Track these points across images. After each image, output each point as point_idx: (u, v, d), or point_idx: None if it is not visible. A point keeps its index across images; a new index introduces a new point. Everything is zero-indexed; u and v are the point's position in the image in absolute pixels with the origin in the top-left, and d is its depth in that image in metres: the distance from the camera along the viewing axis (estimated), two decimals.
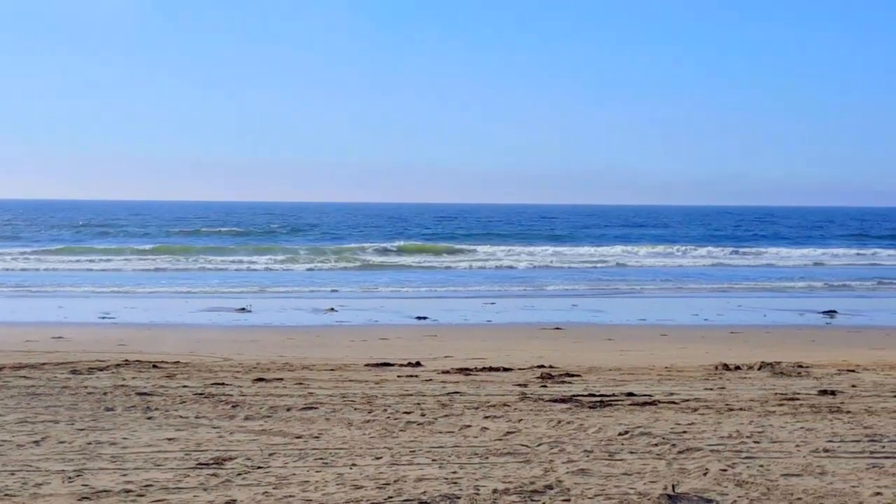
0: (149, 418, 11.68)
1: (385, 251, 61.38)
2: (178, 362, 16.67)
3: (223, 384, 14.22)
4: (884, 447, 10.43)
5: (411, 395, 13.41)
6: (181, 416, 11.81)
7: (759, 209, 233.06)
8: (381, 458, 9.78)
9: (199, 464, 9.48)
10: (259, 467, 9.36)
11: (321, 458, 9.73)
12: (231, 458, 9.68)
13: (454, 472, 9.21)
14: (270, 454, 9.89)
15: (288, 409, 12.23)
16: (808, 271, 49.40)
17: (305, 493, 8.50)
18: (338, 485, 8.75)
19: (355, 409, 12.33)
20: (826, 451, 10.25)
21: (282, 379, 14.78)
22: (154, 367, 16.00)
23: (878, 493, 8.65)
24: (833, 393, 13.73)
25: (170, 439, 10.56)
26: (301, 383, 14.36)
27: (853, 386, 14.46)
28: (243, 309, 27.95)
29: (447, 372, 15.81)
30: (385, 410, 12.20)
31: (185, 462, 9.56)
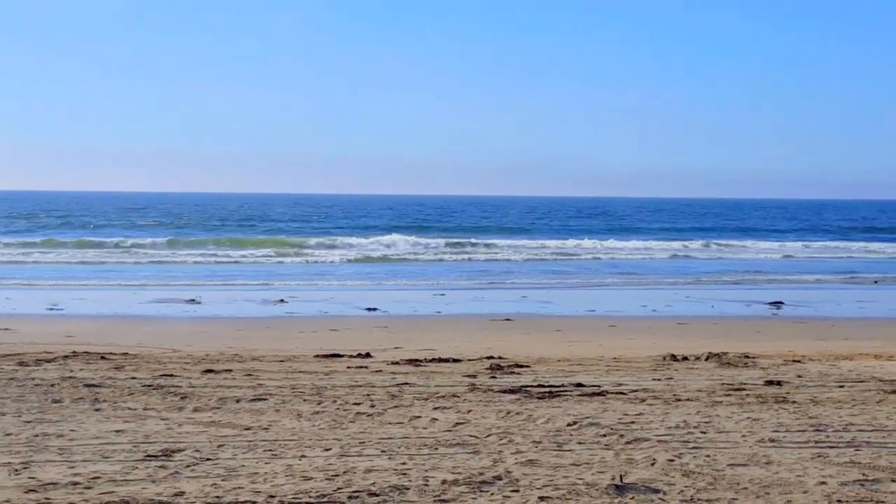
0: (97, 410, 11.63)
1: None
2: (126, 354, 16.60)
3: (172, 376, 14.17)
4: (828, 437, 10.53)
5: (361, 386, 13.41)
6: (129, 408, 11.76)
7: (728, 201, 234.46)
8: (330, 449, 9.79)
9: (148, 456, 9.45)
10: (208, 459, 9.34)
11: (270, 450, 9.72)
12: (179, 450, 9.66)
13: (403, 464, 9.23)
14: (219, 446, 9.87)
15: (237, 401, 12.22)
16: (764, 264, 49.76)
17: (254, 484, 8.50)
18: (287, 476, 8.75)
19: (305, 400, 12.32)
20: (772, 440, 10.35)
21: (231, 370, 14.75)
22: (102, 358, 15.91)
23: (822, 483, 8.75)
24: (779, 383, 13.85)
25: (118, 431, 10.52)
26: (250, 375, 14.33)
27: (799, 376, 14.59)
28: (193, 300, 27.83)
29: (397, 363, 15.83)
30: (334, 402, 12.21)
31: (133, 454, 9.53)
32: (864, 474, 9.04)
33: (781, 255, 57.18)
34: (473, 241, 61.99)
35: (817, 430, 10.82)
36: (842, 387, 13.66)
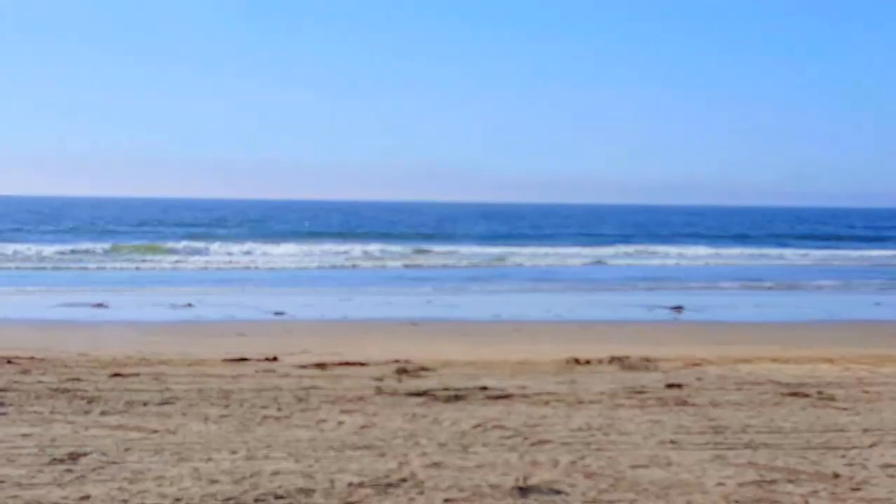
0: (2, 414, 11.57)
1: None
2: (33, 357, 16.46)
3: (79, 379, 14.10)
4: (727, 439, 10.76)
5: (268, 389, 13.45)
6: (35, 412, 11.72)
7: (639, 207, 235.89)
8: (237, 452, 9.84)
9: (54, 459, 9.45)
10: (114, 462, 9.36)
11: (177, 453, 9.76)
12: (86, 454, 9.67)
13: (310, 466, 9.31)
14: (126, 449, 9.89)
15: (144, 404, 12.21)
16: (672, 270, 50.29)
17: (161, 487, 8.54)
18: (193, 479, 8.80)
19: (212, 403, 12.35)
20: (672, 442, 10.56)
21: (138, 374, 14.71)
22: (8, 362, 15.78)
23: (721, 484, 8.96)
24: (679, 386, 14.09)
25: (24, 435, 10.49)
26: (158, 378, 14.31)
27: (698, 379, 14.85)
28: (100, 304, 27.62)
29: (304, 367, 15.87)
30: (242, 405, 12.25)
31: (39, 458, 9.52)
32: (761, 475, 9.26)
33: (687, 261, 57.72)
34: (390, 247, 61.83)
35: (716, 432, 11.05)
36: (740, 389, 13.93)
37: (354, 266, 48.84)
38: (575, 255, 59.20)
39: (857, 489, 8.86)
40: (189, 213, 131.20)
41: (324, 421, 11.41)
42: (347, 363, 16.27)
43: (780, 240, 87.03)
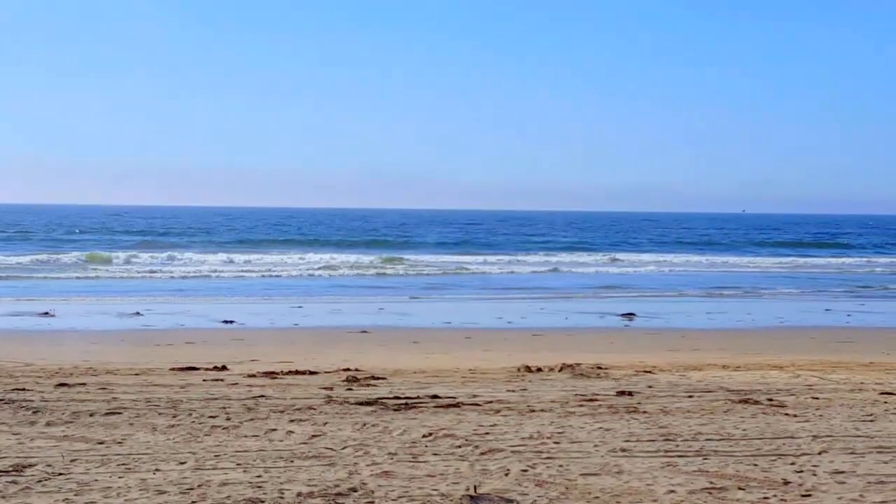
0: None
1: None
2: None
3: (24, 389, 13.96)
4: (678, 446, 10.77)
5: (217, 399, 13.36)
6: None
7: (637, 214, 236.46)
8: (185, 462, 9.75)
9: None
10: (60, 474, 9.25)
11: (124, 464, 9.66)
12: (31, 465, 9.55)
13: (259, 476, 9.24)
14: (72, 460, 9.78)
15: (91, 415, 12.09)
16: (626, 277, 50.45)
17: (107, 499, 8.45)
18: (140, 490, 8.71)
19: (160, 413, 12.24)
20: (623, 450, 10.55)
21: (85, 384, 14.58)
22: None
23: (671, 491, 8.95)
24: (630, 394, 14.11)
25: None
26: (105, 388, 14.19)
27: (649, 387, 14.87)
28: (46, 313, 27.38)
29: (253, 376, 15.79)
30: (190, 415, 12.15)
31: None
32: (711, 482, 9.27)
33: (641, 268, 57.89)
34: (340, 256, 61.57)
35: (667, 440, 11.05)
36: (691, 397, 13.96)
37: (312, 275, 48.49)
38: (531, 263, 59.20)
39: (807, 496, 8.87)
40: (119, 220, 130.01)
41: (273, 430, 11.33)
42: (297, 372, 16.20)
43: (734, 247, 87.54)
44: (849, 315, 31.06)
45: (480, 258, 62.31)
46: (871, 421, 12.32)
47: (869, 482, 9.36)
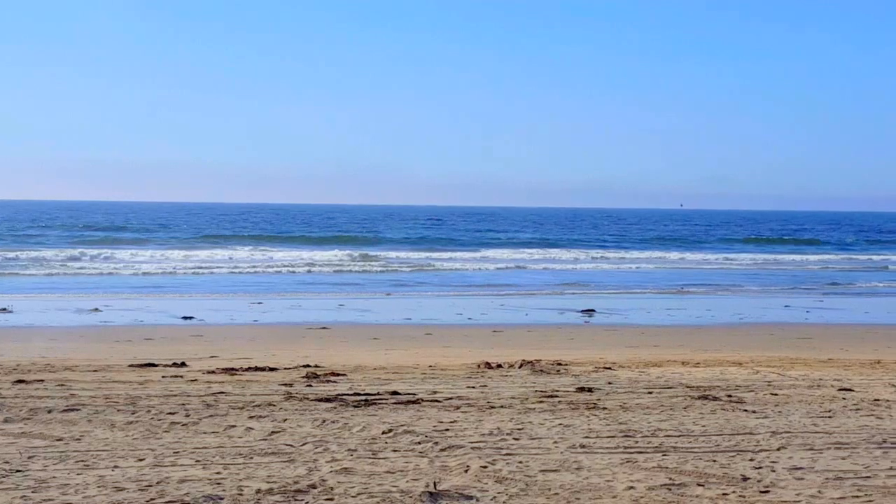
0: None
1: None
2: None
3: None
4: (637, 442, 10.79)
5: (176, 395, 13.30)
6: None
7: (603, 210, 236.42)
8: (143, 459, 9.70)
9: None
10: (18, 471, 9.17)
11: (82, 461, 9.59)
12: None
13: (218, 473, 9.19)
14: (30, 457, 9.70)
15: (49, 411, 12.01)
16: (586, 274, 50.57)
17: (65, 496, 8.39)
18: (99, 487, 8.65)
19: (118, 410, 12.17)
20: (583, 446, 10.55)
21: (43, 380, 14.48)
22: None
23: (631, 487, 8.96)
24: (590, 390, 14.13)
25: None
26: (63, 384, 14.10)
27: (609, 383, 14.90)
28: (4, 310, 27.21)
29: (212, 372, 15.73)
30: (149, 411, 12.08)
31: None
32: (670, 479, 9.28)
33: (606, 264, 58.07)
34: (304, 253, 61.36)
35: (626, 436, 11.07)
36: (650, 393, 13.99)
37: (279, 272, 48.13)
38: (496, 260, 59.15)
39: (766, 492, 8.90)
40: (75, 216, 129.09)
41: (232, 427, 11.28)
42: (257, 368, 16.15)
43: (691, 244, 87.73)
44: (808, 311, 31.27)
45: (447, 255, 62.30)
46: (830, 417, 12.38)
47: (827, 478, 9.40)
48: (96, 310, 27.64)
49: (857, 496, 8.82)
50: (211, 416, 11.91)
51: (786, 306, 33.08)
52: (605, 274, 50.44)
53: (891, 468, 9.82)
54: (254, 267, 50.18)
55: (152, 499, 8.33)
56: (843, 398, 13.82)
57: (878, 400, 13.70)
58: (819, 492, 8.93)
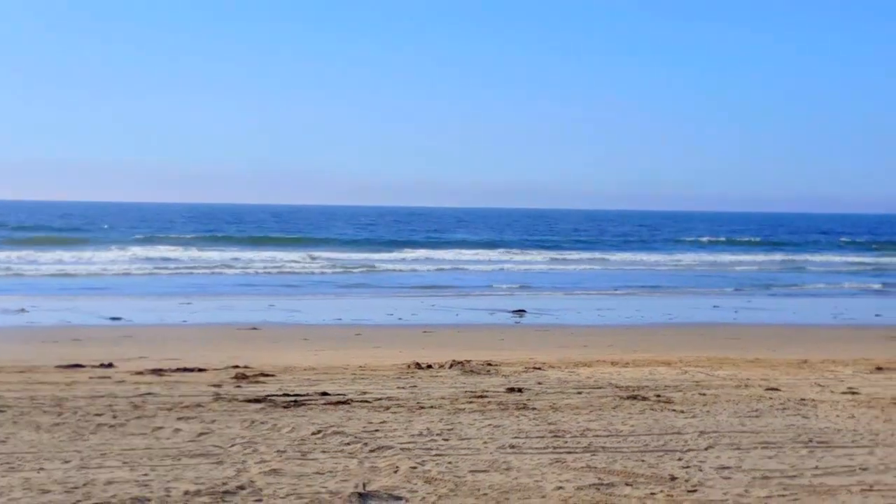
0: None
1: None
2: None
3: None
4: (566, 442, 10.82)
5: (103, 396, 13.18)
6: None
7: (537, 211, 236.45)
8: (70, 461, 9.60)
9: None
10: None
11: (7, 463, 9.48)
12: None
13: (145, 475, 9.12)
14: None
15: None
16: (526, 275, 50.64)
17: None
18: (24, 490, 8.55)
19: (44, 411, 12.04)
20: (512, 447, 10.58)
21: None
22: None
23: (560, 487, 8.99)
24: (520, 390, 14.16)
25: None
26: None
27: (539, 383, 14.94)
28: None
29: (140, 373, 15.60)
30: (75, 413, 11.97)
31: None
32: (599, 479, 9.32)
33: (538, 266, 58.12)
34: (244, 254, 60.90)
35: (556, 436, 11.10)
36: (580, 393, 14.05)
37: (222, 273, 47.63)
38: (427, 261, 58.88)
39: (693, 491, 8.97)
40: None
41: (160, 428, 11.21)
42: (185, 369, 16.04)
43: (623, 244, 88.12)
44: (736, 311, 31.53)
45: (377, 255, 61.97)
46: (757, 416, 12.49)
47: (754, 477, 9.48)
48: (22, 310, 27.35)
49: (784, 495, 8.90)
50: (138, 417, 11.82)
51: (714, 306, 33.34)
52: (539, 274, 50.54)
53: (816, 467, 9.93)
54: (185, 268, 49.72)
55: (78, 501, 8.26)
56: (770, 398, 13.94)
57: (804, 399, 13.84)
58: (746, 491, 9.01)
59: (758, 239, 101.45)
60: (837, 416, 12.68)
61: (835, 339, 24.16)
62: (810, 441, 11.12)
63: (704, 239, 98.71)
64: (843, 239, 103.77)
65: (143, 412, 12.12)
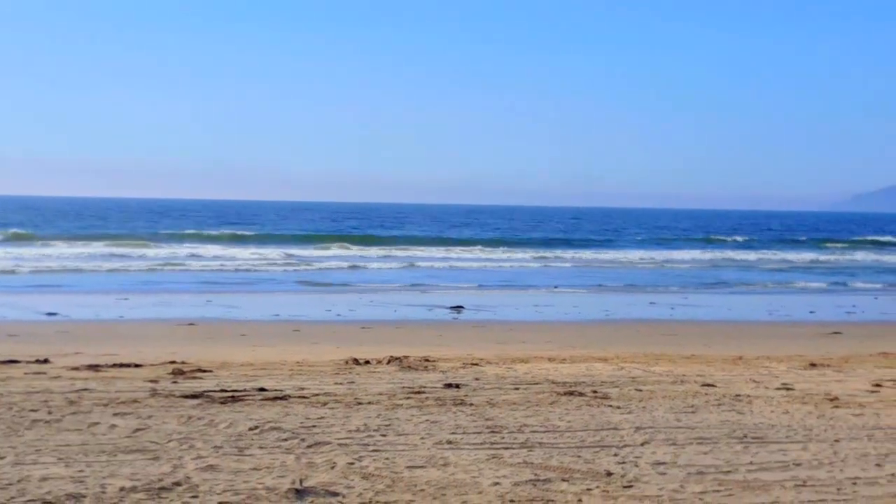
0: None
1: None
2: None
3: None
4: (503, 438, 10.87)
5: (38, 392, 13.08)
6: None
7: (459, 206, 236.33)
8: (4, 458, 9.53)
9: None
10: None
11: None
12: None
13: (80, 471, 9.08)
14: None
15: None
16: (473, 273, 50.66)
17: None
18: None
19: None
20: (449, 442, 10.61)
21: None
22: None
23: (496, 483, 9.03)
24: (458, 386, 14.19)
25: None
26: None
27: (476, 379, 14.97)
28: None
29: (76, 368, 15.49)
30: (10, 409, 11.87)
31: None
32: (536, 474, 9.37)
33: (476, 262, 58.06)
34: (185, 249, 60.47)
35: (493, 432, 11.15)
36: (517, 389, 14.10)
37: (152, 269, 47.20)
38: (373, 258, 58.47)
39: (629, 486, 9.03)
40: None
41: (96, 424, 11.14)
42: (122, 365, 15.95)
43: (556, 242, 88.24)
44: (672, 308, 31.72)
45: (316, 252, 61.66)
46: (692, 412, 12.59)
47: (689, 473, 9.56)
48: None
49: (718, 490, 8.99)
50: (74, 413, 11.74)
51: (651, 303, 33.52)
52: (481, 271, 50.50)
53: (751, 462, 10.03)
54: (121, 263, 49.36)
55: (13, 497, 8.21)
56: (706, 394, 14.05)
57: (739, 395, 13.96)
58: (681, 486, 9.09)
59: (699, 236, 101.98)
60: (772, 411, 12.80)
61: (770, 335, 24.37)
62: (745, 437, 11.22)
63: (640, 238, 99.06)
64: (783, 236, 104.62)
65: (79, 408, 12.04)
